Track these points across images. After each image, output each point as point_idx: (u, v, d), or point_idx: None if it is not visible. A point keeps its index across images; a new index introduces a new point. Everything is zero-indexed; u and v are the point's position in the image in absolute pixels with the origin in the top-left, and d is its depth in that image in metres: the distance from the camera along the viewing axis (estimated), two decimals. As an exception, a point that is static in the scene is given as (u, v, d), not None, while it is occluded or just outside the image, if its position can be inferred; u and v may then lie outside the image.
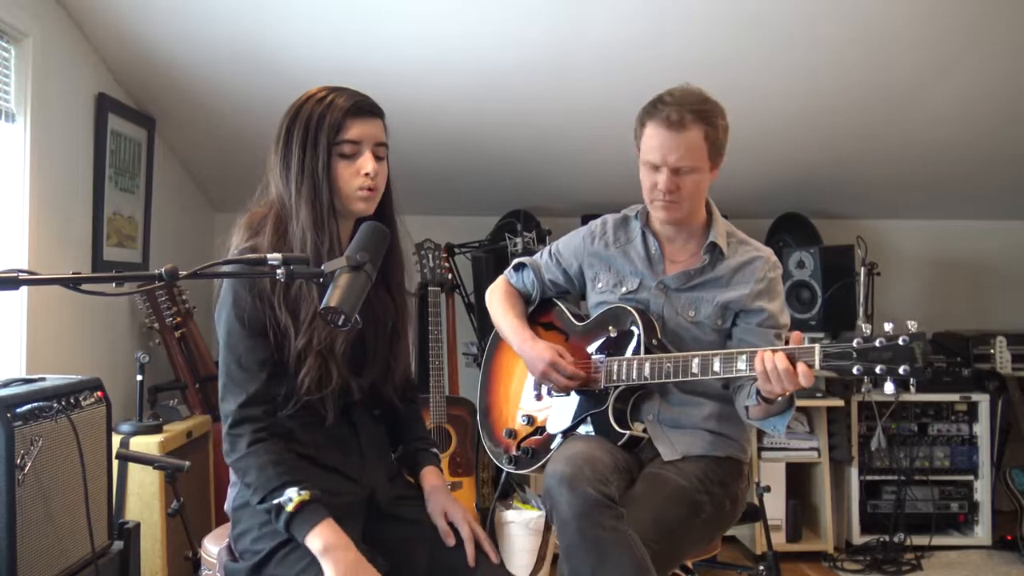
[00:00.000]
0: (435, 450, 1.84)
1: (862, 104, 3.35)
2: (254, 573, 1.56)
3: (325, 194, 1.60)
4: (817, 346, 1.67)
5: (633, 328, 1.99)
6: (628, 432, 1.96)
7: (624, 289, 2.08)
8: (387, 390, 1.75)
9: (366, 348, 1.69)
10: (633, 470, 1.96)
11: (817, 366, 1.67)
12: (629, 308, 2.02)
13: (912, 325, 1.61)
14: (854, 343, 1.63)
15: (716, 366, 1.82)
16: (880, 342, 1.60)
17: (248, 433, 1.56)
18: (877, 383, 1.64)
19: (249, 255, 1.43)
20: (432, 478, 1.77)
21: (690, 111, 1.89)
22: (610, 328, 2.05)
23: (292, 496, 1.49)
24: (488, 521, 2.93)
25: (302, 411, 1.63)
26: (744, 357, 1.77)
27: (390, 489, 1.74)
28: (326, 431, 1.66)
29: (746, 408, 1.88)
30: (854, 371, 1.62)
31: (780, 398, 1.76)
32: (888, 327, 1.61)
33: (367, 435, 1.73)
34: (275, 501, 1.50)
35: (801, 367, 1.67)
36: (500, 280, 2.32)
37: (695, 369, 1.85)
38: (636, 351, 1.97)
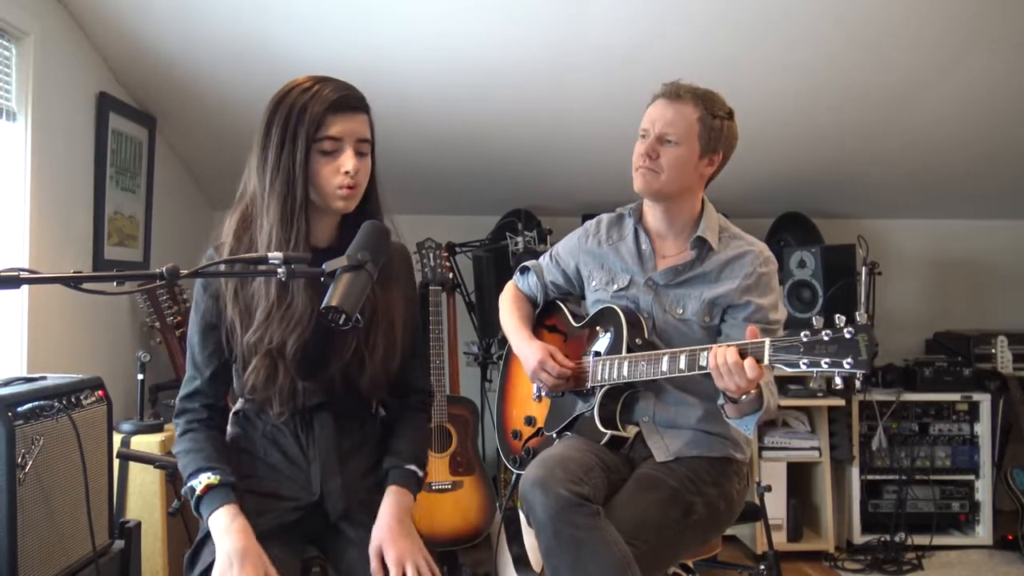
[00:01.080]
0: (412, 466, 1.69)
1: (862, 103, 3.35)
2: (192, 558, 1.59)
3: (299, 190, 1.55)
4: (767, 340, 1.65)
5: (618, 327, 1.99)
6: (609, 432, 1.95)
7: (615, 287, 2.08)
8: (363, 383, 1.65)
9: (333, 342, 1.61)
10: (623, 470, 1.96)
11: (766, 360, 1.64)
12: (616, 307, 2.02)
13: (860, 316, 1.57)
14: (802, 336, 1.60)
15: (682, 363, 1.81)
16: (827, 335, 1.57)
17: (182, 424, 1.64)
18: (825, 378, 1.62)
19: (249, 255, 1.44)
20: (387, 504, 1.62)
21: (690, 90, 1.94)
22: (599, 328, 2.06)
23: (202, 480, 1.56)
24: (502, 523, 2.93)
25: (255, 410, 1.66)
26: (705, 354, 1.75)
27: (343, 499, 1.64)
28: (276, 431, 1.66)
29: (722, 407, 1.86)
30: (801, 365, 1.59)
31: (744, 397, 1.73)
32: (839, 320, 1.58)
33: (325, 440, 1.65)
34: (189, 484, 1.57)
35: (748, 361, 1.65)
36: (509, 285, 2.35)
37: (664, 367, 1.84)
38: (618, 350, 1.97)
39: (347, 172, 1.56)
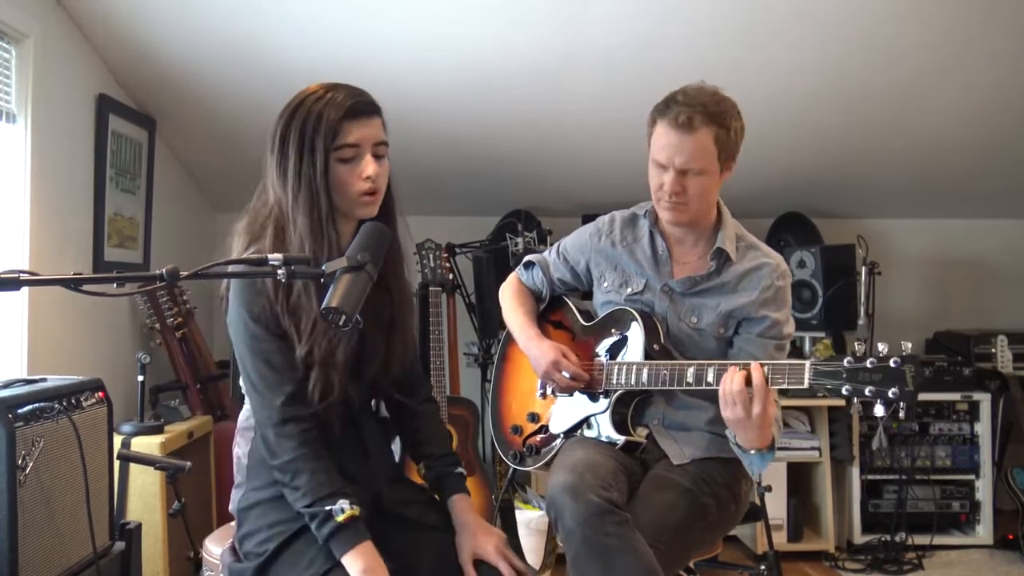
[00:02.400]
0: (461, 469, 1.75)
1: (864, 104, 3.35)
2: (260, 573, 1.55)
3: (324, 201, 1.55)
4: (807, 362, 1.65)
5: (636, 331, 1.97)
6: (625, 438, 1.94)
7: (629, 290, 2.05)
8: (385, 384, 1.70)
9: (366, 348, 1.64)
10: (637, 472, 1.95)
11: (806, 383, 1.65)
12: (633, 311, 2.00)
13: (906, 347, 1.56)
14: (844, 362, 1.60)
15: (710, 376, 1.80)
16: (871, 363, 1.57)
17: (297, 433, 1.53)
18: (866, 406, 1.59)
19: (252, 255, 1.43)
20: (461, 512, 1.69)
21: (700, 112, 1.83)
22: (614, 330, 2.03)
23: (344, 507, 1.48)
24: (498, 515, 2.93)
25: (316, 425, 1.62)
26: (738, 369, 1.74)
27: (393, 491, 1.71)
28: (332, 435, 1.64)
29: (735, 444, 1.85)
30: (843, 391, 1.59)
31: (753, 451, 1.76)
32: (882, 348, 1.58)
33: (369, 436, 1.70)
34: (326, 508, 1.49)
35: (756, 382, 1.67)
36: (511, 277, 2.30)
37: (690, 378, 1.83)
38: (636, 355, 1.95)
39: (368, 177, 1.56)
